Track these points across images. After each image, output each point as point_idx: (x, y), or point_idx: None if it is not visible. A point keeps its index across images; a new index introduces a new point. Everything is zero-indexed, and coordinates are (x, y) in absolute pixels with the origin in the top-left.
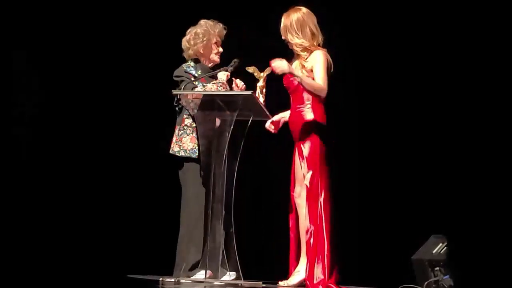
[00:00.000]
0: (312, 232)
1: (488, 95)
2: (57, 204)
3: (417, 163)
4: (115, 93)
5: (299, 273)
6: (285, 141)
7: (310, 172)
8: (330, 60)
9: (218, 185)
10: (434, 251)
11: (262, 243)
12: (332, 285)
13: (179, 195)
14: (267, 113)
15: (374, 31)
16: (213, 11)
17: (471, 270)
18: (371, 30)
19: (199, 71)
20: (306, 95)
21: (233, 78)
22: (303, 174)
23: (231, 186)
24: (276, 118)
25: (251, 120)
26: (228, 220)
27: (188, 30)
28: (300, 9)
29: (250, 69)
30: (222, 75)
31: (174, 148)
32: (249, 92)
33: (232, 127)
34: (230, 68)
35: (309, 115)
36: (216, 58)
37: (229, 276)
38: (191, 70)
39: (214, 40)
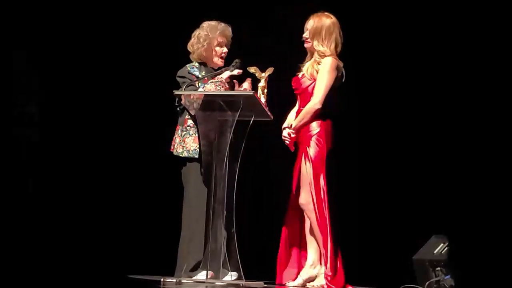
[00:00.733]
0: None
1: (488, 95)
2: (57, 204)
3: (417, 163)
4: (115, 93)
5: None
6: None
7: (316, 174)
8: (341, 68)
9: (219, 186)
10: (435, 251)
11: (263, 243)
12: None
13: (181, 195)
14: (269, 113)
15: (374, 31)
16: (213, 11)
17: (472, 270)
18: (371, 30)
19: (203, 72)
20: None
21: (234, 81)
22: (308, 176)
23: (232, 186)
24: (290, 132)
25: (252, 121)
26: (229, 220)
27: (193, 33)
28: (331, 17)
29: (252, 70)
30: (226, 74)
31: (178, 149)
32: (250, 93)
33: (233, 127)
34: (231, 69)
35: (315, 117)
36: (219, 62)
37: (231, 277)
38: (194, 71)
39: (216, 43)
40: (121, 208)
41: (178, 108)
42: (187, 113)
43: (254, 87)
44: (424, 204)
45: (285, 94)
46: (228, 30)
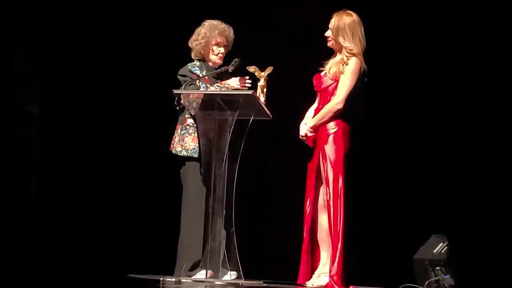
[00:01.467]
0: (339, 233)
1: (488, 95)
2: (57, 203)
3: (417, 162)
4: (115, 92)
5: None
6: (285, 140)
7: (335, 173)
8: (365, 67)
9: (218, 185)
10: (435, 251)
11: (263, 243)
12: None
13: (180, 194)
14: (268, 112)
15: (375, 31)
16: (213, 10)
17: (471, 269)
18: (371, 30)
19: (204, 71)
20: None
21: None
22: (326, 175)
23: (231, 186)
24: (306, 131)
25: (252, 120)
26: (228, 219)
27: (195, 30)
28: (352, 15)
29: (251, 69)
30: (233, 82)
31: (177, 148)
32: (249, 92)
33: (232, 126)
34: (231, 68)
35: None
36: (217, 60)
37: (230, 276)
38: (195, 69)
39: (214, 42)
40: (121, 207)
41: (177, 107)
42: (187, 112)
43: (254, 86)
44: (423, 203)
45: (284, 93)
46: (229, 31)
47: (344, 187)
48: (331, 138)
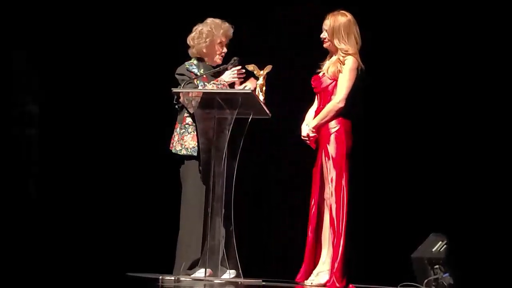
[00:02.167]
0: (341, 232)
1: (487, 95)
2: (57, 203)
3: (416, 162)
4: (115, 92)
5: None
6: (285, 139)
7: (338, 172)
8: (362, 66)
9: (217, 184)
10: (433, 249)
11: (262, 241)
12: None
13: (179, 193)
14: (267, 111)
15: (375, 32)
16: (213, 10)
17: (470, 268)
18: (371, 30)
19: (202, 70)
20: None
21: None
22: (329, 174)
23: (230, 184)
24: (309, 131)
25: (251, 118)
26: (228, 218)
27: (195, 27)
28: (347, 15)
29: (250, 67)
30: (226, 76)
31: (176, 147)
32: (249, 91)
33: (231, 125)
34: (229, 67)
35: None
36: (219, 60)
37: (229, 274)
38: (193, 68)
39: (218, 41)
40: (120, 206)
41: (176, 106)
42: (186, 111)
43: (248, 78)
44: (422, 202)
45: (283, 92)
46: (231, 31)
47: (347, 185)
48: (333, 137)
